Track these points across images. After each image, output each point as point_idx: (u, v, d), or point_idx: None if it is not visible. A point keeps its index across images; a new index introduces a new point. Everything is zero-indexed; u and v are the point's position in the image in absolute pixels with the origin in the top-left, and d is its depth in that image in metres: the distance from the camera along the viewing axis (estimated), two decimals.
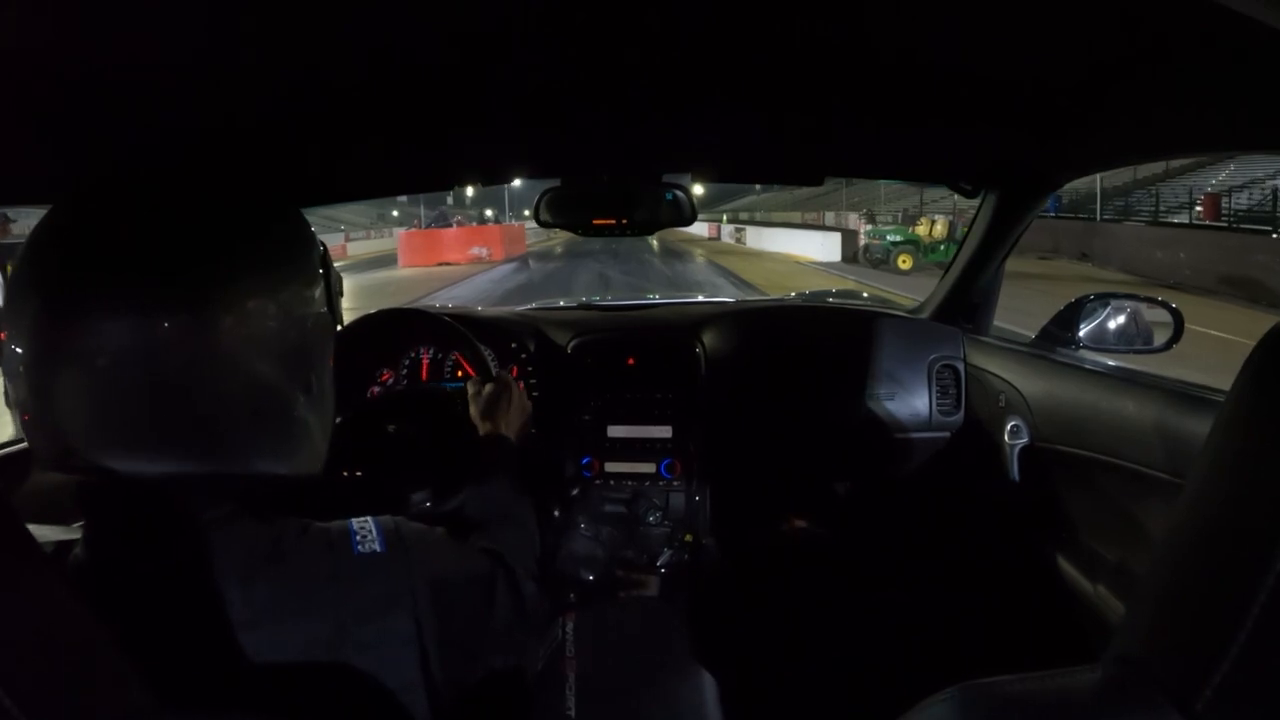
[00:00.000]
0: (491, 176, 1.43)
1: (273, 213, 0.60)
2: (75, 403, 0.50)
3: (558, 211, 1.33)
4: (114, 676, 0.40)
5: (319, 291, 0.61)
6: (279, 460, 0.57)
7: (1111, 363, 1.25)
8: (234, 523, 0.54)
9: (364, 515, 0.63)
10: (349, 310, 0.89)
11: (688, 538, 1.51)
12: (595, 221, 1.30)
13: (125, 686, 0.40)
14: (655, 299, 2.04)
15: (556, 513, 1.49)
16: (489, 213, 49.32)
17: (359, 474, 1.21)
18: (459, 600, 0.65)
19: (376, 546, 0.58)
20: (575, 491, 1.40)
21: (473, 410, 1.04)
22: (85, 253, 0.50)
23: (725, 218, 41.76)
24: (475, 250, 20.53)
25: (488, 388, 1.06)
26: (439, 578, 0.62)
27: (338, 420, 1.13)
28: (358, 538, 0.58)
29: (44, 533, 0.55)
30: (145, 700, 0.40)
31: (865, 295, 2.23)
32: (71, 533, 0.57)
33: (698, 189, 1.48)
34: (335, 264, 0.66)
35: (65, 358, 0.49)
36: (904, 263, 15.00)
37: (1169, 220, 15.90)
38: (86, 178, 0.57)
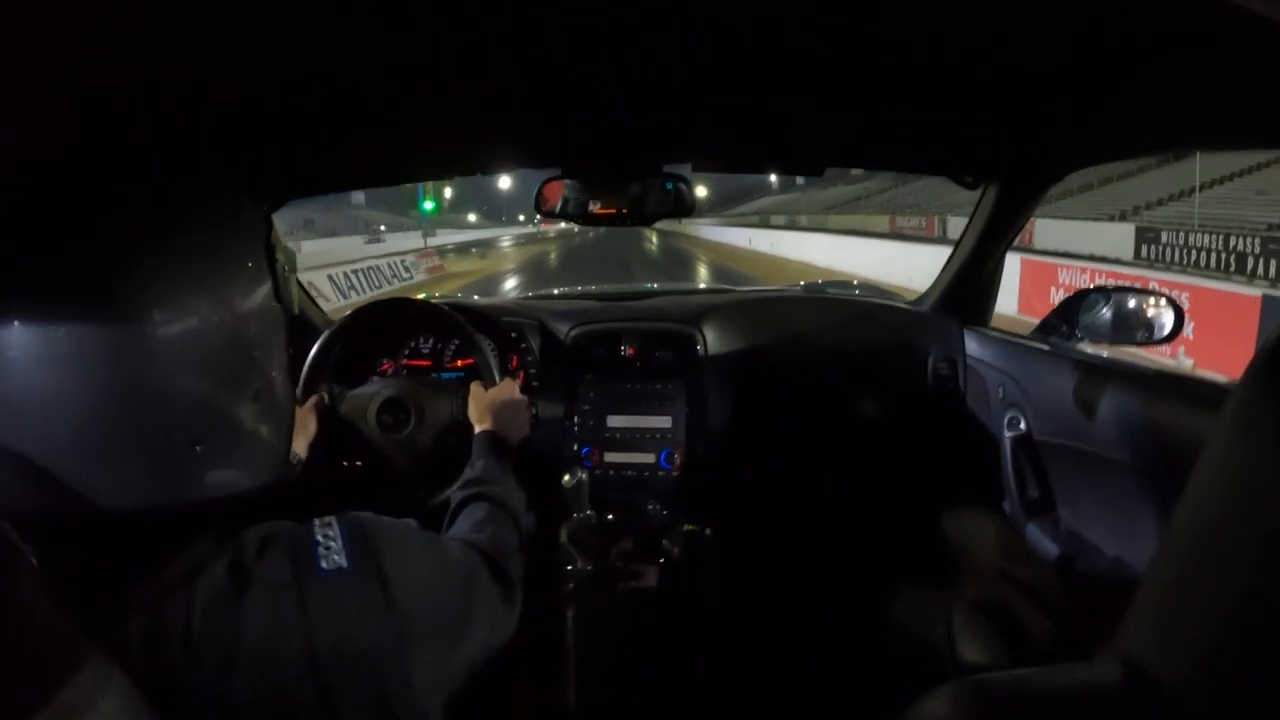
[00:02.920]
0: (490, 166, 1.43)
1: (196, 215, 0.55)
2: (8, 430, 0.47)
3: (556, 201, 1.32)
4: (94, 691, 0.39)
5: (263, 288, 0.57)
6: (234, 477, 0.54)
7: (1110, 355, 1.24)
8: (191, 545, 0.52)
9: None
10: None
11: (687, 529, 1.52)
12: (595, 212, 1.30)
13: (109, 702, 0.40)
14: (655, 287, 2.03)
15: (555, 504, 1.49)
16: (471, 218, 43.42)
17: (358, 464, 1.22)
18: (438, 599, 0.63)
19: (342, 561, 0.56)
20: (574, 482, 1.40)
21: (471, 409, 1.06)
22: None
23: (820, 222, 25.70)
24: None
25: (492, 390, 1.09)
26: (414, 580, 0.60)
27: (338, 413, 1.14)
28: (320, 550, 0.56)
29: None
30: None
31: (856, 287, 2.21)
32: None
33: (701, 191, 1.47)
34: None
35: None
36: None
37: None
38: (55, 175, 0.56)
